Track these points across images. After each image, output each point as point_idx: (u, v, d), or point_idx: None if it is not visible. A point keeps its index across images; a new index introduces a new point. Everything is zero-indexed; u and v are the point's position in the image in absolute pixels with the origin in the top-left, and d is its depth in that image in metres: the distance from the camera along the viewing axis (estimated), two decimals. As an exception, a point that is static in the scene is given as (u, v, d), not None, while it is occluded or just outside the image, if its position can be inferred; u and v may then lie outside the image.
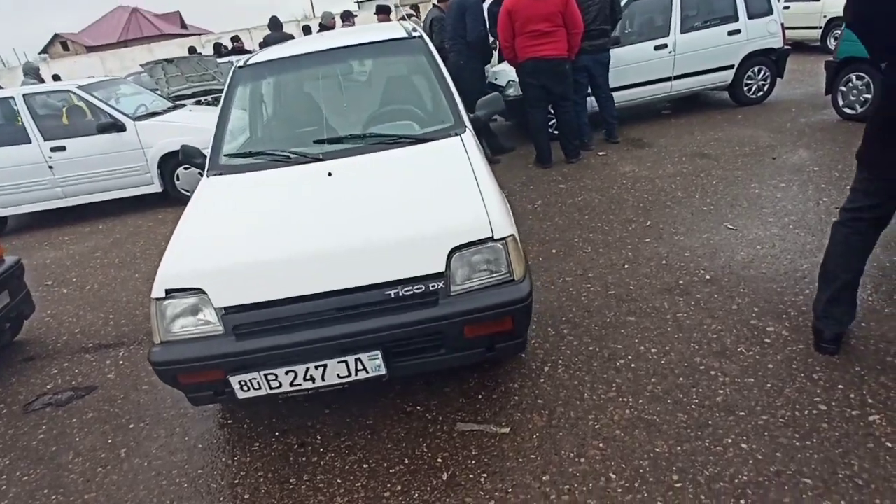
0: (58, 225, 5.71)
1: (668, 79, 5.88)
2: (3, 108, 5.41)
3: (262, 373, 1.82)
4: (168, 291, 1.87)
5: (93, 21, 41.98)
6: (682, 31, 5.74)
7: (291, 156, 2.45)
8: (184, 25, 43.35)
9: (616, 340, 2.37)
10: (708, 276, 2.77)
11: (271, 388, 1.85)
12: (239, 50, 11.00)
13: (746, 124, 5.47)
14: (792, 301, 2.46)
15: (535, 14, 4.43)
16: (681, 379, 2.08)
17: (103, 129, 5.31)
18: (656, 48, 5.73)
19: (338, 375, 1.85)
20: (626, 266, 3.01)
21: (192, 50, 12.43)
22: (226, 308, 1.84)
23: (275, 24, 7.38)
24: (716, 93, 6.43)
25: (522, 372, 2.27)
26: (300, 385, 1.85)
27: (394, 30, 3.00)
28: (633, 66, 5.67)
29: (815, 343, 2.12)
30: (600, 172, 4.68)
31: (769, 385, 1.98)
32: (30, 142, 5.34)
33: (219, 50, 11.62)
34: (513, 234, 1.89)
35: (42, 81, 8.04)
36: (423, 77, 2.86)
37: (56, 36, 40.49)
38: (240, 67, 2.87)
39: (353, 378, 1.86)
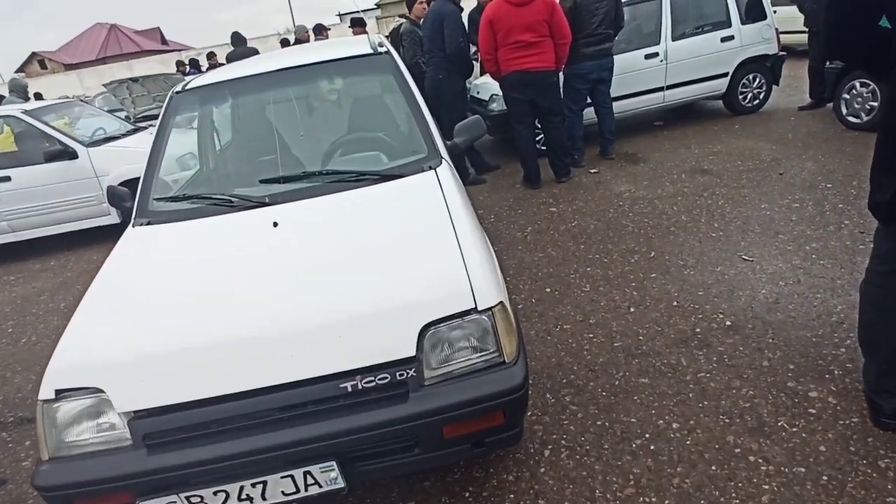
0: (5, 262, 5.22)
1: (661, 89, 5.57)
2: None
3: (182, 495, 1.40)
4: (59, 392, 1.45)
5: (71, 38, 41.31)
6: (674, 39, 5.43)
7: (233, 200, 2.04)
8: (164, 41, 42.79)
9: (629, 411, 1.98)
10: (728, 322, 2.40)
11: None
12: (215, 66, 10.58)
13: (745, 135, 5.15)
14: (833, 355, 2.09)
15: (518, 23, 4.08)
16: (713, 468, 1.69)
17: (52, 158, 4.85)
18: (647, 56, 5.41)
19: (282, 493, 1.44)
20: (631, 309, 2.63)
21: (179, 65, 11.98)
22: (134, 412, 1.42)
23: (238, 39, 7.01)
24: (710, 102, 6.13)
25: (518, 457, 1.87)
26: None
27: (358, 45, 2.62)
28: (624, 76, 5.34)
29: (873, 417, 1.74)
30: (594, 193, 4.32)
31: (825, 477, 1.59)
32: (-30, 173, 4.87)
33: (197, 66, 11.20)
34: (501, 302, 1.50)
35: (28, 99, 7.60)
36: (392, 99, 2.48)
37: (33, 54, 39.73)
38: (177, 93, 2.46)
39: (302, 494, 1.45)
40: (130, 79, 7.89)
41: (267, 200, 1.98)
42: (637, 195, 4.10)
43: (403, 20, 5.44)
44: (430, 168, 2.07)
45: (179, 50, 29.64)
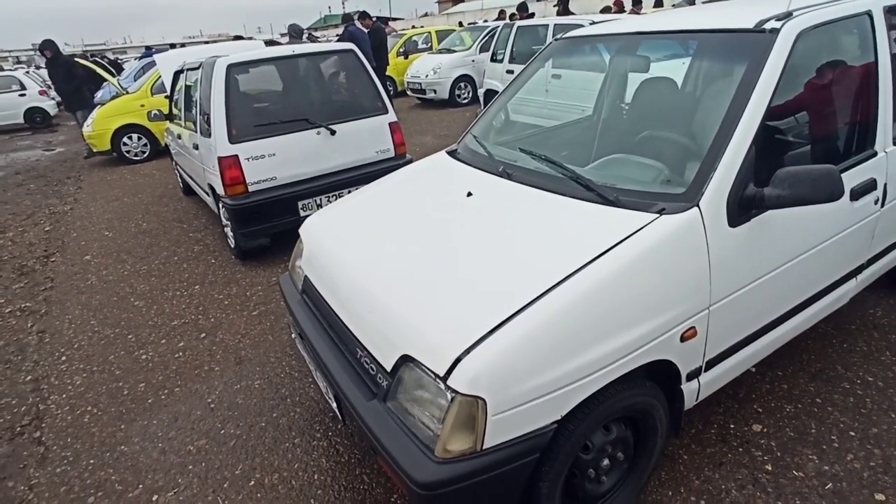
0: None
1: None
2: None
3: None
4: None
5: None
6: None
7: (494, 157, 2.22)
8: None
9: None
10: None
11: None
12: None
13: None
14: None
15: None
16: None
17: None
18: None
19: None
20: None
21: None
22: None
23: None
24: None
25: None
26: None
27: (745, 12, 1.94)
28: None
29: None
30: None
31: None
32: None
33: None
34: (480, 399, 1.27)
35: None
36: (721, 102, 1.72)
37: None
38: (556, 39, 2.64)
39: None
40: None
41: (500, 170, 2.07)
42: None
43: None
44: (660, 213, 1.54)
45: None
